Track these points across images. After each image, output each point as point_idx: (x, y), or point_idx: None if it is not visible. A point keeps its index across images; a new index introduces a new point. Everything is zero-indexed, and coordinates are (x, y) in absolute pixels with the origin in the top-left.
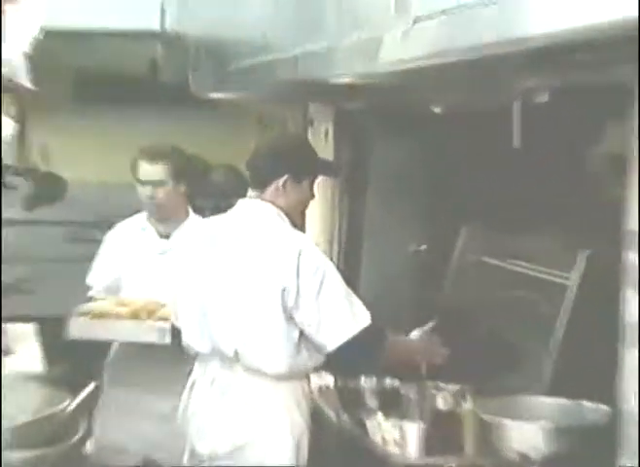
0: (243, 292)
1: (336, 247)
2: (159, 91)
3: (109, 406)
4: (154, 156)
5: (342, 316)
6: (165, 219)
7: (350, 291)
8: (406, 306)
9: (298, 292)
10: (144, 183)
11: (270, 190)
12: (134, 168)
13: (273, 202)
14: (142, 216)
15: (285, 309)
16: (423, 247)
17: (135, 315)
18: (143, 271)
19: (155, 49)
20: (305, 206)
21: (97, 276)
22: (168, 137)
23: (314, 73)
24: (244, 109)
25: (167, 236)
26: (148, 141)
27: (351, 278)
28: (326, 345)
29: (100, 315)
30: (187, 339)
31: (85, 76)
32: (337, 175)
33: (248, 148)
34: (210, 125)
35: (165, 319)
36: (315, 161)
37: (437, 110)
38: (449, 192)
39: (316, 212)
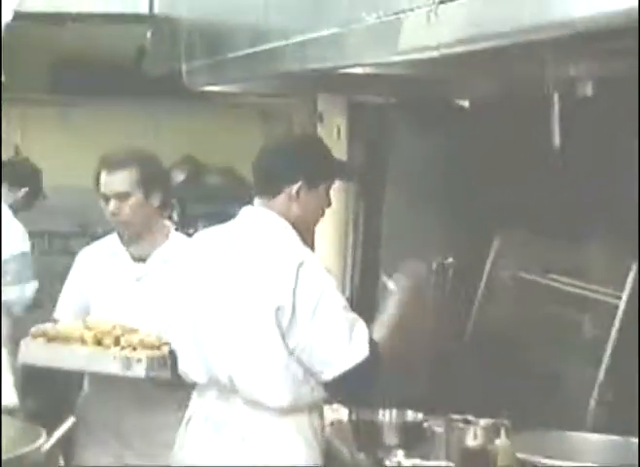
0: (237, 311)
1: (350, 261)
2: (146, 83)
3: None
4: (114, 163)
5: (337, 345)
6: (138, 239)
7: (354, 316)
8: None
9: (293, 311)
10: (106, 197)
11: (281, 198)
12: (97, 182)
13: (285, 214)
14: (114, 237)
15: (281, 331)
16: (449, 260)
17: (98, 341)
18: (115, 301)
19: (143, 34)
20: (320, 217)
21: (65, 310)
22: (157, 135)
23: (324, 62)
24: (243, 103)
25: (144, 260)
26: (133, 139)
27: (367, 297)
28: (320, 376)
29: (57, 338)
30: (182, 366)
31: (63, 66)
32: (352, 179)
33: (247, 148)
34: (204, 122)
35: (137, 347)
36: (332, 163)
37: (464, 104)
38: (479, 197)
39: (326, 222)
